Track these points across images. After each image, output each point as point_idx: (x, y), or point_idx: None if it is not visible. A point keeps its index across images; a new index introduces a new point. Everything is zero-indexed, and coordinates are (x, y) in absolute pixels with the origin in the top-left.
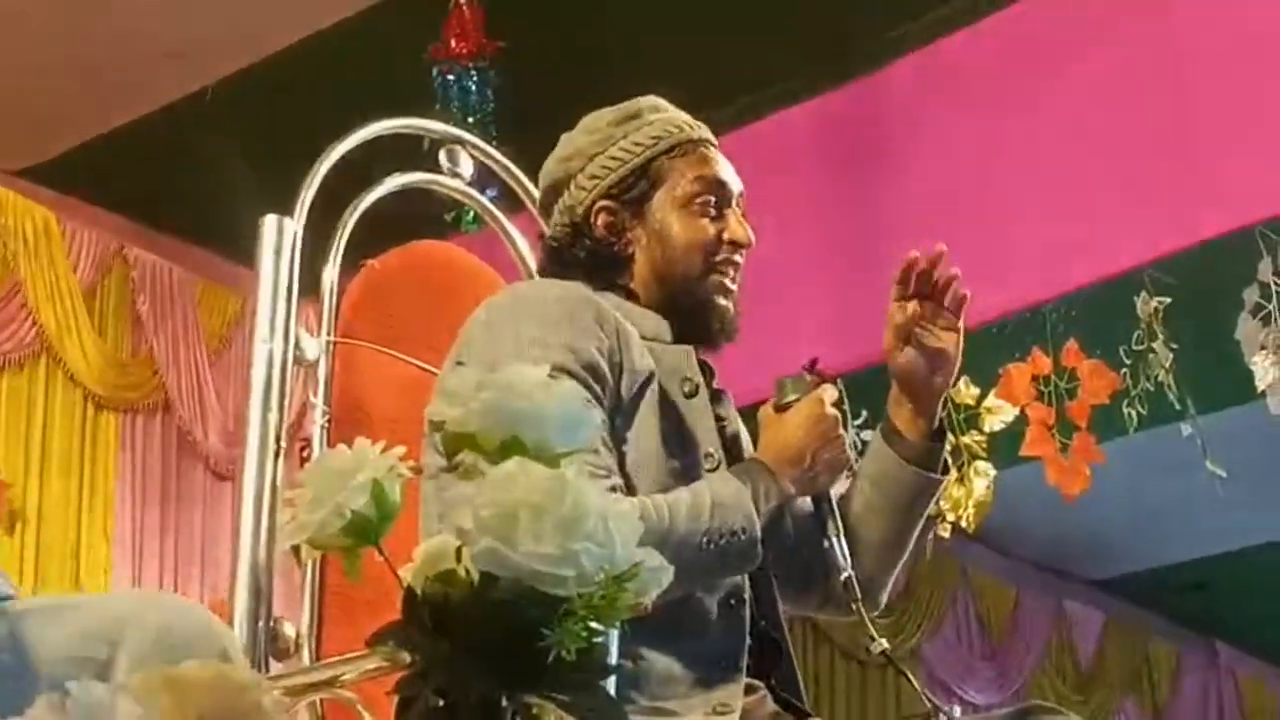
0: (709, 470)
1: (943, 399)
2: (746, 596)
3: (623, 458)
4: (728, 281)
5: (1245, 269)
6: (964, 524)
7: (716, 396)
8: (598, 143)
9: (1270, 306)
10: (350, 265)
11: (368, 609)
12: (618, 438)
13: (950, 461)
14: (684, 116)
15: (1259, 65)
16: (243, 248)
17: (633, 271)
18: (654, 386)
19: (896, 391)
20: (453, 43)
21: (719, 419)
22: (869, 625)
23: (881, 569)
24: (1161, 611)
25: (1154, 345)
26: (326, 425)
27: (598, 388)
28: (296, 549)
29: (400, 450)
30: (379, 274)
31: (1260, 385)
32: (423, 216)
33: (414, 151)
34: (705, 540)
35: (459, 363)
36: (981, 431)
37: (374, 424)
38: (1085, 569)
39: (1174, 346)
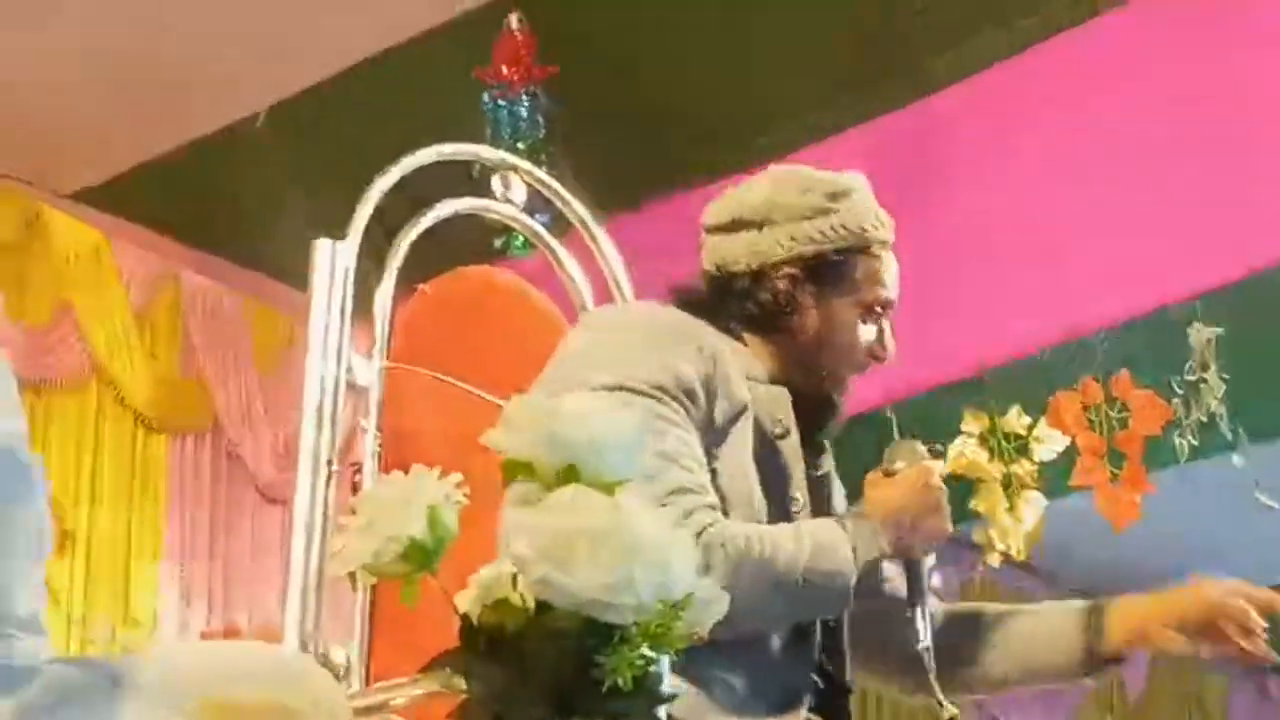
0: (794, 513)
1: None
2: (816, 634)
3: (714, 476)
4: (851, 386)
5: None
6: (1013, 553)
7: (818, 446)
8: (810, 208)
9: None
10: (401, 288)
11: (418, 635)
12: (710, 457)
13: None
14: (878, 209)
15: None
16: (294, 271)
17: (777, 338)
18: (748, 419)
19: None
20: (503, 68)
21: (813, 467)
22: (937, 693)
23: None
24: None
25: (1206, 376)
26: (378, 449)
27: (691, 408)
28: (353, 575)
29: (457, 477)
30: (431, 299)
31: None
32: (473, 241)
33: (465, 176)
34: (802, 579)
35: (560, 367)
36: (1031, 460)
37: (425, 448)
38: None
39: (1226, 377)
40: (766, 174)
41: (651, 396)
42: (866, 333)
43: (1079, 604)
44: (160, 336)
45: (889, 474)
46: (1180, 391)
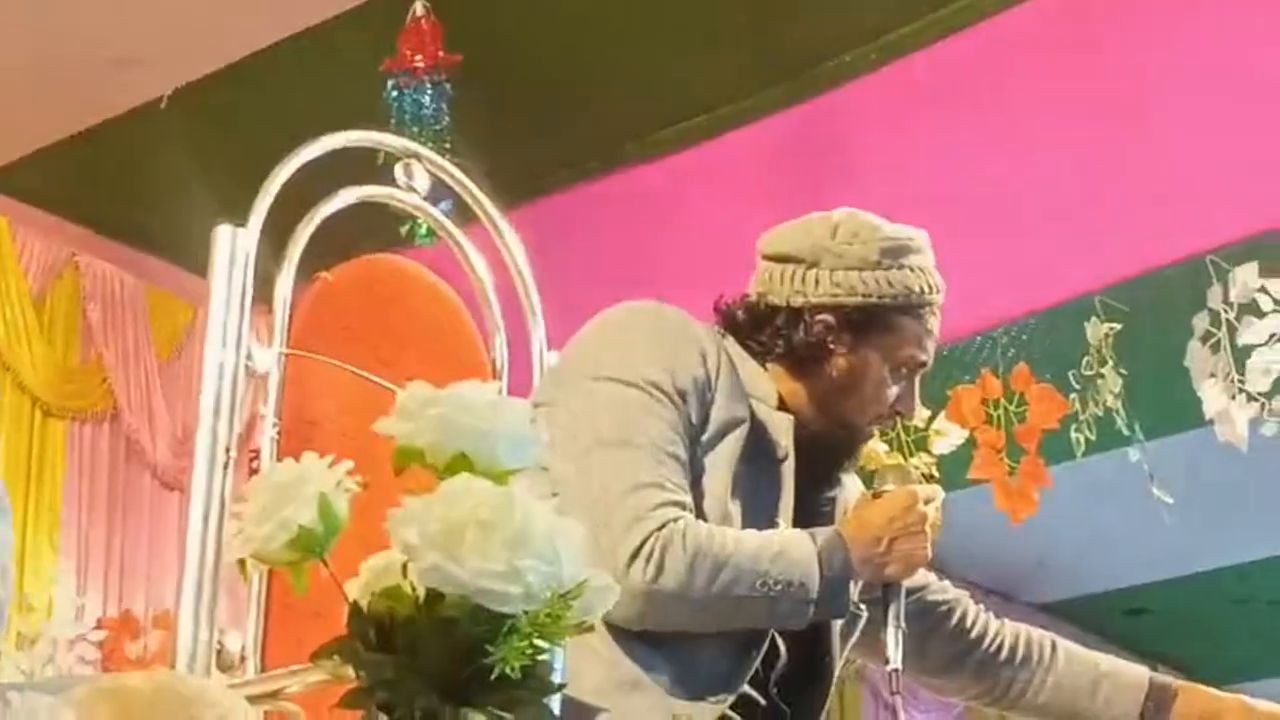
0: None
1: None
2: (755, 656)
3: (698, 479)
4: (870, 438)
5: (1195, 296)
6: None
7: (826, 477)
8: (860, 259)
9: (1220, 334)
10: (303, 275)
11: (314, 622)
12: (696, 465)
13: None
14: (933, 272)
15: (1215, 97)
16: (195, 256)
17: (801, 377)
18: (741, 433)
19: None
20: (409, 55)
21: (815, 499)
22: (901, 716)
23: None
24: (1104, 635)
25: (1103, 371)
26: (276, 437)
27: (683, 408)
28: (243, 562)
29: (348, 465)
30: (332, 286)
31: (1208, 413)
32: (377, 227)
33: (369, 163)
34: (760, 583)
35: (565, 356)
36: (930, 454)
37: (324, 436)
38: (1030, 592)
39: (1123, 372)
40: (832, 214)
41: (644, 390)
42: (892, 390)
43: (1144, 673)
44: (59, 321)
45: (878, 495)
46: (1078, 386)
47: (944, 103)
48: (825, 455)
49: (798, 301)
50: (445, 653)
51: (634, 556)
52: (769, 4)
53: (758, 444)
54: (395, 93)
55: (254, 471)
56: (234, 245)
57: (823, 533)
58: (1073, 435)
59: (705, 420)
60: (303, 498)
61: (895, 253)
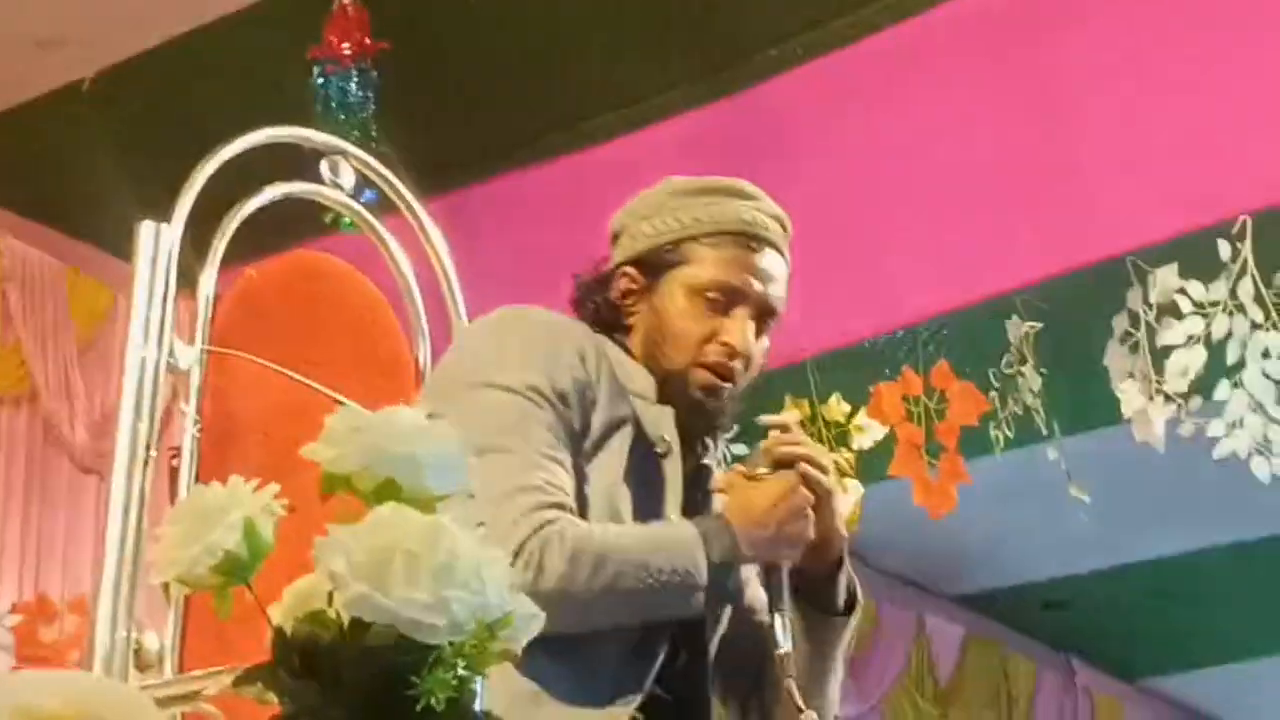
0: None
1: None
2: (658, 653)
3: (580, 488)
4: (716, 380)
5: (1115, 297)
6: None
7: (700, 467)
8: (655, 205)
9: (1139, 335)
10: (226, 266)
11: (233, 624)
12: (579, 469)
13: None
14: (751, 210)
15: (1136, 94)
16: (116, 240)
17: (630, 339)
18: (626, 432)
19: None
20: (335, 42)
21: (697, 486)
22: (797, 699)
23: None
24: (1021, 629)
25: (1023, 369)
26: (197, 435)
27: (564, 411)
28: (166, 585)
29: (274, 488)
30: (256, 283)
31: (1126, 412)
32: (302, 215)
33: (294, 152)
34: (645, 573)
35: (442, 362)
36: (850, 449)
37: (245, 434)
38: (947, 585)
39: (1043, 371)
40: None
41: (522, 395)
42: (704, 320)
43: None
44: None
45: (751, 477)
46: (997, 384)
47: (869, 99)
48: (699, 434)
49: (605, 268)
50: (370, 681)
51: (513, 560)
52: None
53: (642, 441)
54: (321, 80)
55: (174, 470)
56: (157, 241)
57: (705, 519)
58: (992, 433)
59: (588, 422)
60: (228, 522)
61: (691, 193)
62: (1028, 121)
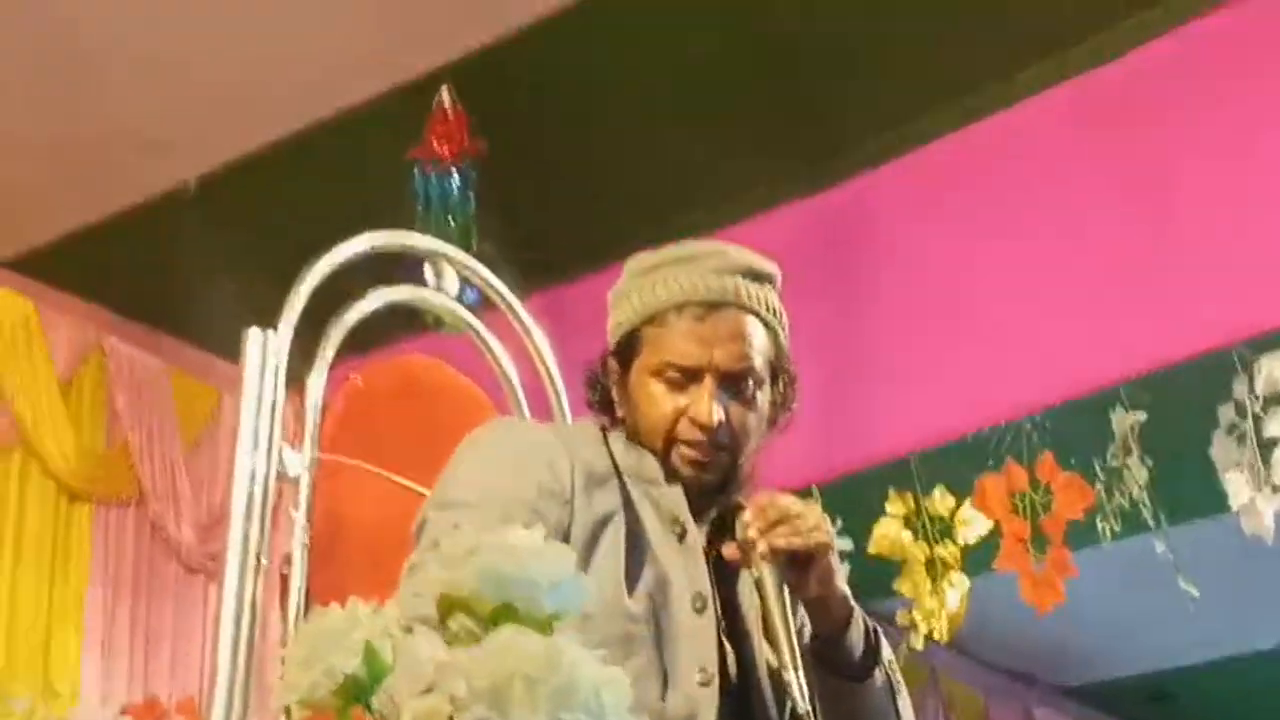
0: (696, 610)
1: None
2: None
3: None
4: (696, 455)
5: (1221, 387)
6: (937, 635)
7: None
8: (618, 295)
9: (1245, 425)
10: (332, 365)
11: None
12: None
13: (872, 654)
14: (702, 273)
15: (1240, 187)
16: (220, 340)
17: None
18: (616, 525)
19: None
20: (435, 143)
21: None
22: None
23: None
24: None
25: (1129, 461)
26: (307, 543)
27: (535, 523)
28: (288, 709)
29: (392, 611)
30: (362, 389)
31: (1234, 504)
32: (405, 316)
33: (398, 255)
34: None
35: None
36: (955, 542)
37: (355, 540)
38: (1054, 676)
39: (1149, 463)
40: None
41: (476, 509)
42: (666, 400)
43: None
44: (85, 405)
45: (745, 554)
46: (1103, 476)
47: (967, 190)
48: (711, 510)
49: (600, 362)
50: None
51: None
52: (792, 92)
53: (649, 530)
54: (422, 180)
55: (284, 576)
56: (264, 349)
57: None
58: (1098, 525)
59: (569, 529)
60: (349, 645)
61: (640, 273)
62: (1131, 212)
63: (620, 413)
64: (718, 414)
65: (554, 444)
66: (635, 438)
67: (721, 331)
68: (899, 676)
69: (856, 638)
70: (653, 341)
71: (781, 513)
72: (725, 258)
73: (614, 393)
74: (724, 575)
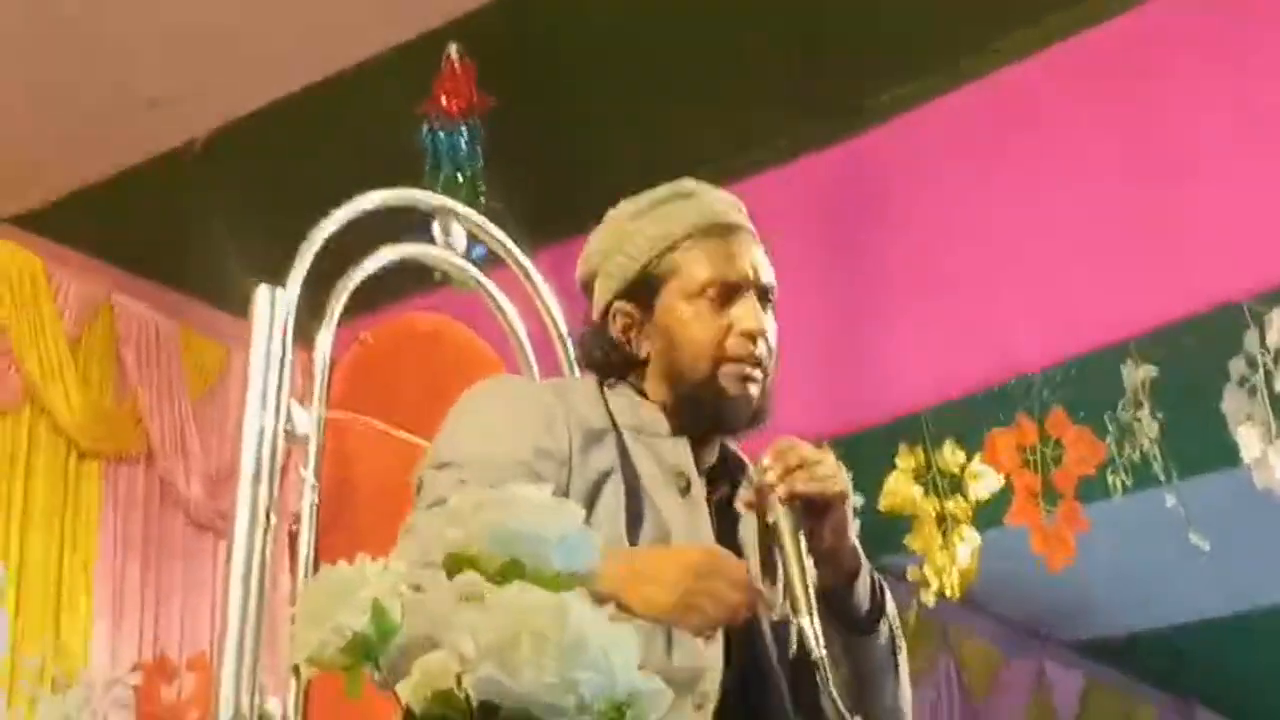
0: None
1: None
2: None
3: None
4: (747, 368)
5: (1232, 341)
6: (948, 591)
7: (723, 498)
8: (618, 237)
9: (1256, 378)
10: (340, 323)
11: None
12: None
13: (878, 609)
14: (707, 203)
15: (1251, 141)
16: (229, 296)
17: (645, 372)
18: (614, 483)
19: None
20: (444, 99)
21: (723, 519)
22: (839, 705)
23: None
24: (1142, 675)
25: (1140, 415)
26: (316, 502)
27: (545, 483)
28: (297, 666)
29: (401, 570)
30: (371, 347)
31: (1245, 457)
32: (413, 272)
33: (406, 211)
34: None
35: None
36: (966, 498)
37: (363, 498)
38: (1067, 631)
39: (1160, 417)
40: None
41: (468, 468)
42: (713, 319)
43: None
44: (94, 362)
45: (761, 499)
46: (1114, 430)
47: (980, 147)
48: (732, 468)
49: (599, 312)
50: None
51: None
52: (806, 44)
53: (649, 486)
54: (430, 136)
55: (293, 534)
56: (273, 306)
57: None
58: (1109, 479)
59: (565, 488)
60: (356, 603)
61: (641, 212)
62: (1140, 166)
63: (645, 353)
64: (765, 322)
65: (551, 403)
66: (669, 368)
67: (745, 250)
68: (900, 632)
69: (864, 591)
70: (685, 264)
71: (801, 458)
72: (714, 193)
73: (631, 337)
74: (725, 526)
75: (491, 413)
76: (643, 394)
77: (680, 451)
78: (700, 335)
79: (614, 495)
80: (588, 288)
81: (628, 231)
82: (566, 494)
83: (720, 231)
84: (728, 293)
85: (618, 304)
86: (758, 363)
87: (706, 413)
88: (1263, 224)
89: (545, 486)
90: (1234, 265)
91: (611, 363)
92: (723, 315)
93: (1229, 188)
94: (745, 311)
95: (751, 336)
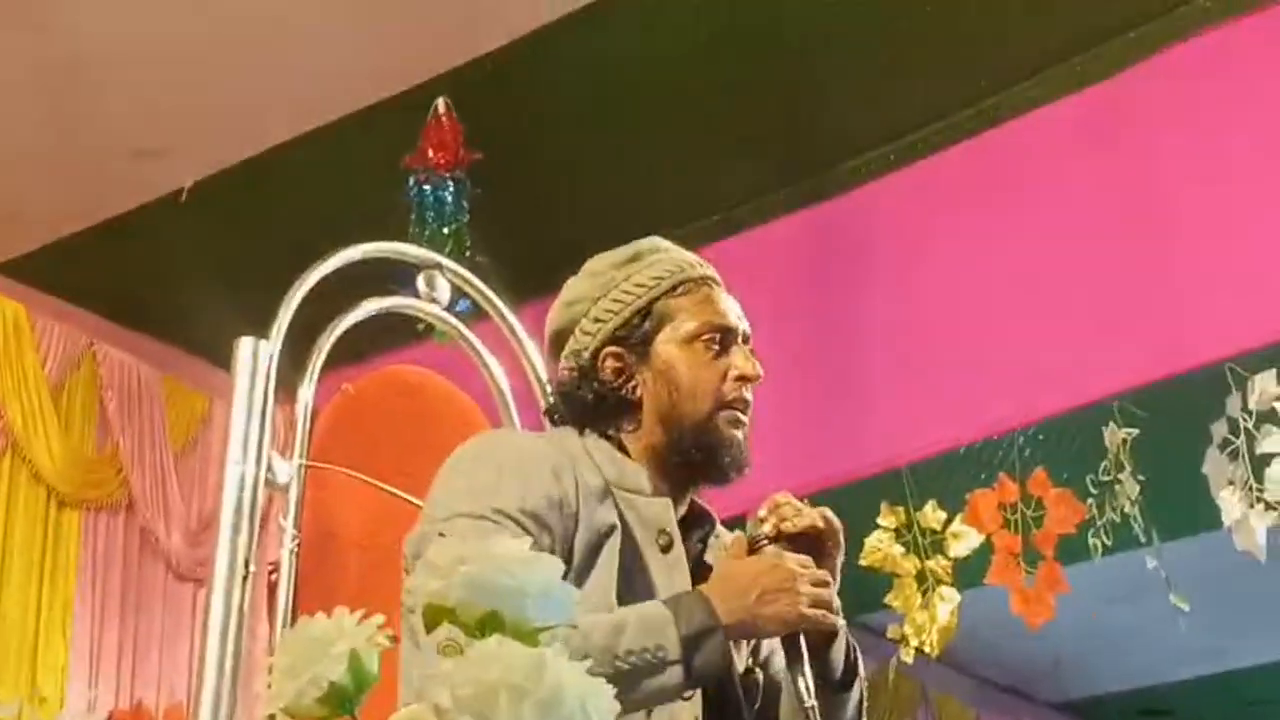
0: None
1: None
2: None
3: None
4: (740, 415)
5: (1214, 403)
6: (927, 649)
7: (701, 559)
8: (600, 286)
9: (1238, 442)
10: (321, 374)
11: None
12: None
13: (853, 669)
14: (687, 256)
15: (1233, 204)
16: (211, 347)
17: (639, 415)
18: (614, 541)
19: None
20: (430, 153)
21: (707, 568)
22: None
23: None
24: None
25: (1121, 476)
26: (295, 550)
27: (542, 537)
28: (272, 716)
29: (379, 620)
30: (353, 398)
31: (1226, 521)
32: (397, 325)
33: (392, 263)
34: (614, 658)
35: (429, 496)
36: (947, 556)
37: (344, 548)
38: (1046, 691)
39: (1141, 479)
40: (566, 283)
41: (491, 520)
42: (713, 364)
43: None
44: (76, 410)
45: (754, 550)
46: (1095, 491)
47: (962, 205)
48: (701, 521)
49: (585, 358)
50: None
51: None
52: (788, 104)
53: (640, 539)
54: (416, 189)
55: (272, 584)
56: (255, 358)
57: (679, 596)
58: (1090, 540)
59: (570, 543)
60: (334, 654)
61: (627, 262)
62: (1124, 227)
63: (638, 396)
64: (758, 367)
65: (556, 453)
66: (665, 411)
67: (726, 300)
68: (866, 694)
69: (840, 651)
70: (679, 311)
71: (796, 509)
72: (684, 250)
73: (622, 382)
74: (699, 580)
75: (497, 463)
76: (620, 448)
77: (662, 510)
78: (703, 377)
79: (611, 553)
80: (562, 336)
81: (614, 279)
82: (572, 543)
83: (703, 282)
84: (722, 339)
85: (608, 349)
86: (747, 407)
87: (701, 456)
88: (1245, 286)
89: (552, 537)
90: (1216, 327)
91: (600, 408)
92: (720, 360)
93: (1212, 249)
94: (741, 357)
95: (746, 381)
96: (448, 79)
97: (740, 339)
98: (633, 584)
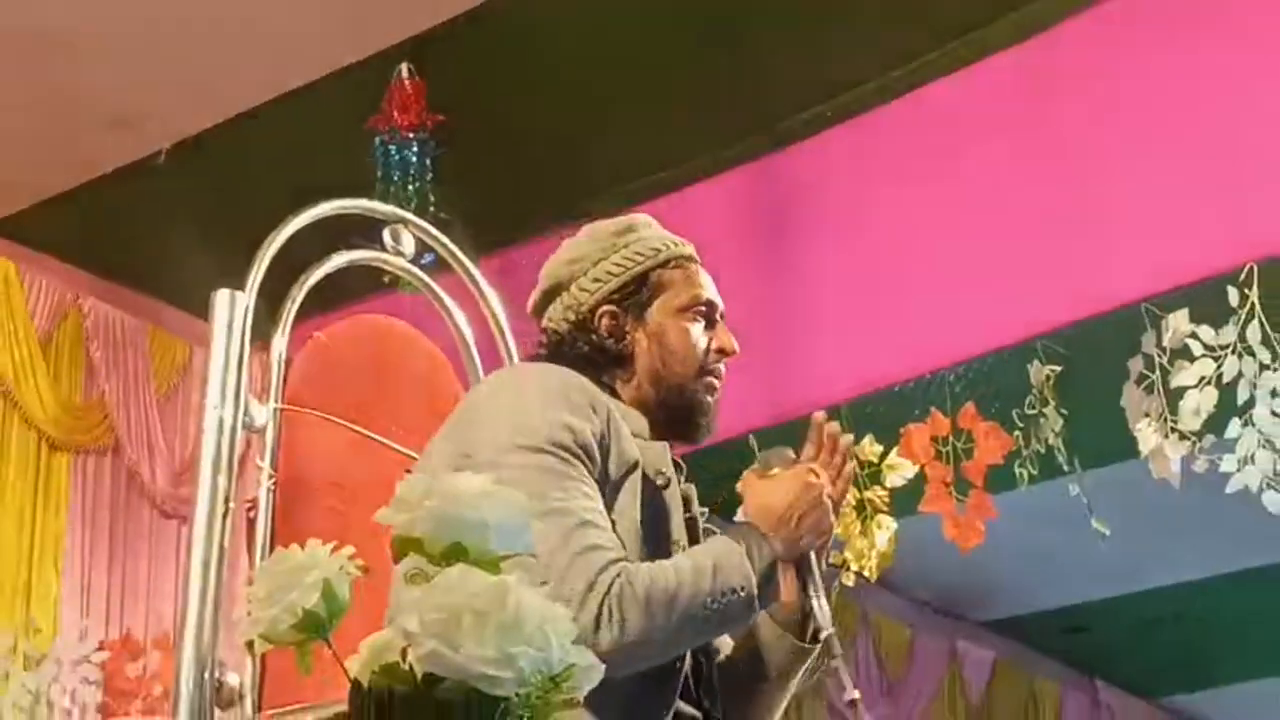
0: (674, 554)
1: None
2: (682, 672)
3: (612, 526)
4: (715, 383)
5: (1131, 341)
6: (866, 573)
7: (686, 491)
8: (602, 249)
9: (1153, 377)
10: (295, 323)
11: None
12: (608, 510)
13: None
14: (672, 235)
15: (1147, 150)
16: (191, 297)
17: (630, 369)
18: (637, 475)
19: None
20: (394, 114)
21: (688, 511)
22: (845, 679)
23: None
24: (1047, 652)
25: (1045, 410)
26: (272, 488)
27: (590, 466)
28: (250, 642)
29: (349, 550)
30: (324, 345)
31: (1143, 450)
32: (366, 276)
33: (359, 217)
34: (709, 600)
35: (463, 428)
36: (884, 487)
37: (316, 486)
38: (977, 611)
39: (1064, 412)
40: (563, 243)
41: (554, 454)
42: (700, 335)
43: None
44: (64, 360)
45: (764, 476)
46: (1021, 424)
47: (895, 158)
48: (678, 468)
49: (582, 312)
50: None
51: (598, 622)
52: (733, 63)
53: (647, 478)
54: (382, 149)
55: (251, 521)
56: (232, 309)
57: (739, 531)
58: (1017, 470)
59: (606, 471)
60: (308, 583)
61: (625, 230)
62: (1049, 175)
63: (630, 353)
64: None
65: (592, 388)
66: (654, 369)
67: (708, 279)
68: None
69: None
70: (673, 283)
71: (852, 469)
72: (664, 229)
73: (619, 339)
74: (689, 523)
75: (553, 390)
76: (617, 398)
77: (661, 451)
78: (692, 345)
79: (635, 483)
80: (558, 289)
81: (615, 245)
82: (607, 472)
83: (690, 260)
84: (709, 314)
85: (605, 307)
86: (721, 377)
87: (680, 415)
88: (1160, 231)
89: (594, 466)
90: (1133, 270)
91: (595, 359)
92: (707, 332)
93: (1128, 198)
94: (723, 333)
95: (724, 355)
96: (413, 43)
97: (720, 315)
98: (646, 516)
